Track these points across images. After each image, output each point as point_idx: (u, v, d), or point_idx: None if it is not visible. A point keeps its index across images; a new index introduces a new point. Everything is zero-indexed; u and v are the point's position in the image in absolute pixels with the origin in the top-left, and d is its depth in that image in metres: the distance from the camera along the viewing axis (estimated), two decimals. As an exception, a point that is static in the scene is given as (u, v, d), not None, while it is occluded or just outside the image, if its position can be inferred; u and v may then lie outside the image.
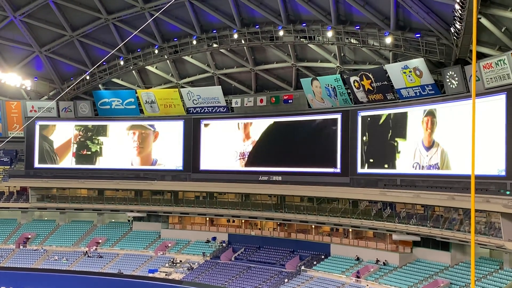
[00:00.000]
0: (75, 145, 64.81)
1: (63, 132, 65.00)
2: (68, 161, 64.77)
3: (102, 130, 64.42)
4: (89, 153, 64.51)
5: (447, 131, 44.36)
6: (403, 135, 47.61)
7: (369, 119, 50.21)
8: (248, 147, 58.52)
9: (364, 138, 50.44)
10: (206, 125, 60.69)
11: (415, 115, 46.60)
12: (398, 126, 47.97)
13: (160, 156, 62.63)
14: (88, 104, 63.94)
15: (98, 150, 64.37)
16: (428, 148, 45.54)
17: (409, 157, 47.03)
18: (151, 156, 63.08)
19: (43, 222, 67.60)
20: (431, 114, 45.36)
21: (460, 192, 41.18)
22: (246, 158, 58.43)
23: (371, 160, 50.15)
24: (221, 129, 60.26)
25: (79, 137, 64.80)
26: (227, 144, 59.56)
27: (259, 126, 58.03)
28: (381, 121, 49.19)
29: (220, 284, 53.46)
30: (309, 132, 55.17)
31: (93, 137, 64.52)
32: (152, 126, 62.96)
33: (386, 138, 48.79)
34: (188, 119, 61.32)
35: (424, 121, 45.92)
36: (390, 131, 48.62)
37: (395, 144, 48.16)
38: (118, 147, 63.71)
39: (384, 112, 49.07)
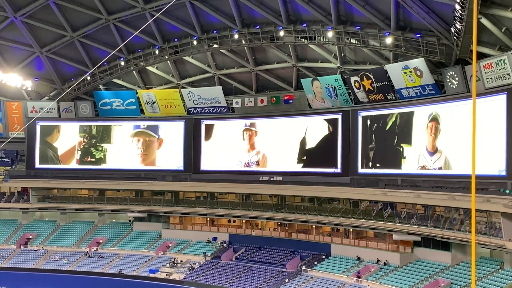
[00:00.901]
0: (79, 152, 64.61)
1: (67, 139, 64.74)
2: (72, 168, 64.90)
3: (106, 137, 63.98)
4: (93, 160, 64.36)
5: (449, 134, 44.26)
6: (408, 141, 47.53)
7: (375, 124, 50.06)
8: (253, 157, 58.45)
9: (372, 144, 50.29)
10: (207, 125, 60.73)
11: (419, 116, 46.41)
12: (404, 132, 47.81)
13: (164, 163, 62.44)
14: (89, 105, 63.98)
15: (102, 157, 64.19)
16: (432, 153, 45.42)
17: (414, 162, 46.91)
18: (155, 163, 62.92)
19: (44, 222, 67.66)
20: (435, 120, 45.21)
21: (461, 192, 41.17)
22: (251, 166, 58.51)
23: (378, 165, 50.05)
24: (223, 132, 60.18)
25: (83, 144, 64.57)
26: (229, 147, 59.56)
27: (265, 136, 57.91)
28: (388, 127, 49.09)
29: (220, 284, 53.47)
30: (310, 132, 55.17)
31: (97, 144, 64.31)
32: (156, 132, 62.52)
33: (393, 144, 48.72)
34: (188, 120, 61.35)
35: (429, 127, 45.80)
36: (396, 137, 48.53)
37: (401, 149, 48.09)
38: (122, 154, 63.48)
39: (385, 112, 49.08)
